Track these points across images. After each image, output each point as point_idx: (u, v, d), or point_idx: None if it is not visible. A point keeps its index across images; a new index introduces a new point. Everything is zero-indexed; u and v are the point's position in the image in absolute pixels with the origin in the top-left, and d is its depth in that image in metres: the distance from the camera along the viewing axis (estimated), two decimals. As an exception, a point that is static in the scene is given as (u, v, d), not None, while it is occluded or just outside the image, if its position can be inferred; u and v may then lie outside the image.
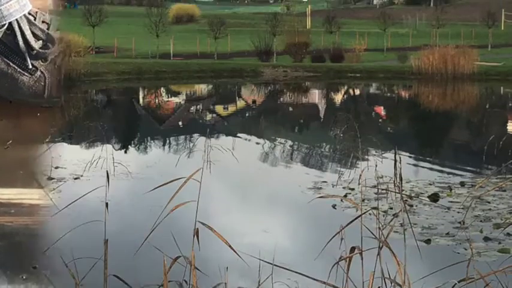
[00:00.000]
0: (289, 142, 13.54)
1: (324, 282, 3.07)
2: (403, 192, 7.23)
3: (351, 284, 3.19)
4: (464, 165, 10.51)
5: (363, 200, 7.21)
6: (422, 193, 8.13)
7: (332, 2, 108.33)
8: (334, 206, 7.46)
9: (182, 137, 14.25)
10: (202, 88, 28.47)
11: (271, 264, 3.55)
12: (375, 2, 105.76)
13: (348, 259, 3.03)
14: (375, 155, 10.24)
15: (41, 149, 10.14)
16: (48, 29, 3.80)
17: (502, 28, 63.42)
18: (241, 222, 7.38)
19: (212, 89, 28.14)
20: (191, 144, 12.50)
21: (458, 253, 5.81)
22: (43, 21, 3.80)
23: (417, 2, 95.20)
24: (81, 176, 8.76)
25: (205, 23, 44.65)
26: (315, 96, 26.35)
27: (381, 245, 3.02)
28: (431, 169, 10.14)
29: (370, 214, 6.11)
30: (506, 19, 67.89)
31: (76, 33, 32.87)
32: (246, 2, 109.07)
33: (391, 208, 7.22)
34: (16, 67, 3.67)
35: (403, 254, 3.05)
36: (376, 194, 7.52)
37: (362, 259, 3.03)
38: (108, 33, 43.87)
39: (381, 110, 21.00)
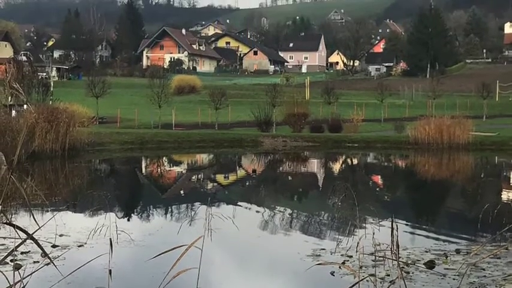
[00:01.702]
0: (289, 210, 13.68)
1: None
2: (400, 259, 7.40)
3: None
4: (459, 233, 10.66)
5: (361, 267, 7.35)
6: (418, 260, 8.25)
7: (330, 73, 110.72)
8: (332, 273, 7.58)
9: (184, 205, 14.38)
10: (203, 158, 28.73)
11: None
12: (372, 74, 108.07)
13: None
14: (372, 223, 10.39)
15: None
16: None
17: (497, 99, 64.63)
18: (242, 288, 7.50)
19: (213, 159, 28.38)
20: (192, 213, 12.64)
21: (454, 319, 5.92)
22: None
23: (414, 73, 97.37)
24: (85, 243, 8.89)
25: (206, 94, 45.50)
26: (314, 165, 26.59)
27: (378, 311, 3.15)
28: (427, 237, 10.28)
29: (367, 281, 6.26)
30: (501, 90, 69.29)
31: (80, 104, 33.67)
32: (246, 73, 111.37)
33: (388, 275, 7.35)
34: None
35: (400, 319, 3.21)
36: (373, 261, 7.63)
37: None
38: (112, 104, 44.75)
39: (378, 179, 21.18)
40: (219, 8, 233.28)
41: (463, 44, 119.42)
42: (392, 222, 6.44)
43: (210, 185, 18.75)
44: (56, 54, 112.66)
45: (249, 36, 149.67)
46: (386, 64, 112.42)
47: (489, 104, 53.09)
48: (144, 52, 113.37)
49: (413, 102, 61.29)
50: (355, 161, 27.68)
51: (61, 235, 9.28)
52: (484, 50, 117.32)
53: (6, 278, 2.96)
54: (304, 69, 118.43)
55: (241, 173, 23.43)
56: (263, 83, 70.28)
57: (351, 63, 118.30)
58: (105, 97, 40.83)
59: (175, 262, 2.96)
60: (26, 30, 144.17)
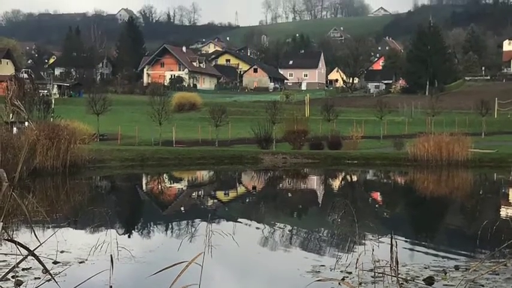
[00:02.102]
0: (288, 227, 13.73)
1: None
2: (399, 275, 7.46)
3: None
4: (458, 250, 10.71)
5: (360, 284, 7.41)
6: (417, 276, 8.30)
7: (330, 90, 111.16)
8: (332, 289, 7.64)
9: (184, 222, 14.45)
10: (203, 174, 28.79)
11: None
12: (371, 91, 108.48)
13: None
14: (371, 239, 10.46)
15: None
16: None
17: (495, 116, 64.85)
18: (242, 304, 7.54)
19: (213, 176, 28.44)
20: (193, 229, 12.71)
21: (452, 334, 5.96)
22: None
23: (413, 90, 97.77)
24: (86, 260, 8.96)
25: (207, 111, 45.61)
26: (314, 182, 26.66)
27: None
28: (426, 253, 10.33)
29: (366, 296, 6.32)
30: (499, 107, 69.60)
31: (81, 121, 33.82)
32: (246, 90, 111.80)
33: (387, 291, 7.41)
34: None
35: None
36: (373, 277, 7.69)
37: None
38: (112, 121, 44.90)
39: (377, 196, 21.25)
40: (219, 25, 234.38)
41: (462, 61, 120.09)
42: (391, 238, 6.51)
43: (210, 202, 18.80)
44: (57, 71, 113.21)
45: (249, 54, 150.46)
46: (386, 81, 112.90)
47: (488, 121, 53.26)
48: (145, 69, 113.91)
49: (413, 119, 61.48)
50: (354, 178, 27.75)
51: (62, 251, 9.35)
52: (483, 68, 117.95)
53: (8, 294, 3.02)
54: (303, 87, 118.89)
55: (241, 189, 23.50)
56: (263, 100, 70.55)
57: (351, 81, 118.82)
58: (105, 114, 40.99)
59: (176, 278, 3.02)
60: (28, 48, 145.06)
